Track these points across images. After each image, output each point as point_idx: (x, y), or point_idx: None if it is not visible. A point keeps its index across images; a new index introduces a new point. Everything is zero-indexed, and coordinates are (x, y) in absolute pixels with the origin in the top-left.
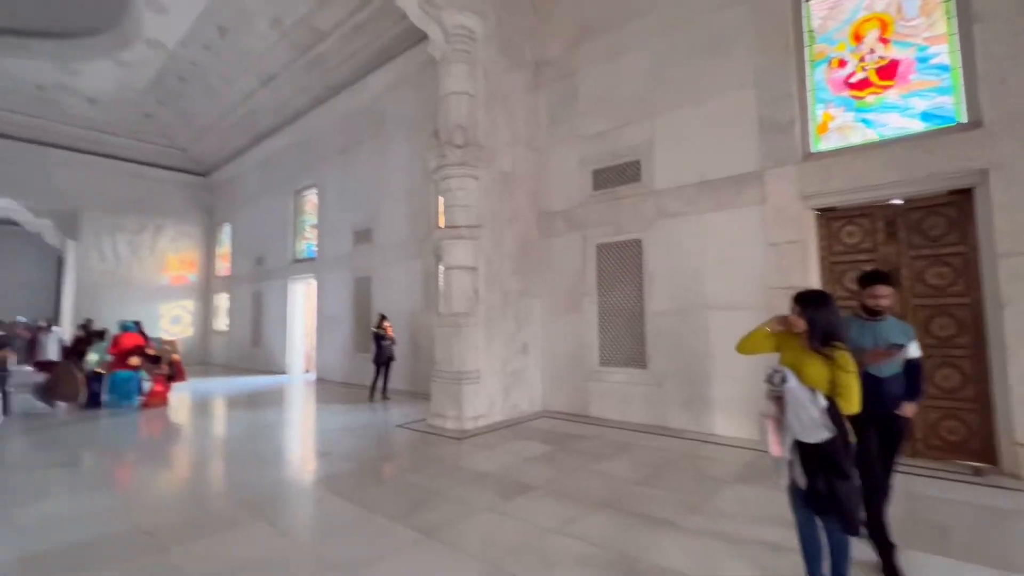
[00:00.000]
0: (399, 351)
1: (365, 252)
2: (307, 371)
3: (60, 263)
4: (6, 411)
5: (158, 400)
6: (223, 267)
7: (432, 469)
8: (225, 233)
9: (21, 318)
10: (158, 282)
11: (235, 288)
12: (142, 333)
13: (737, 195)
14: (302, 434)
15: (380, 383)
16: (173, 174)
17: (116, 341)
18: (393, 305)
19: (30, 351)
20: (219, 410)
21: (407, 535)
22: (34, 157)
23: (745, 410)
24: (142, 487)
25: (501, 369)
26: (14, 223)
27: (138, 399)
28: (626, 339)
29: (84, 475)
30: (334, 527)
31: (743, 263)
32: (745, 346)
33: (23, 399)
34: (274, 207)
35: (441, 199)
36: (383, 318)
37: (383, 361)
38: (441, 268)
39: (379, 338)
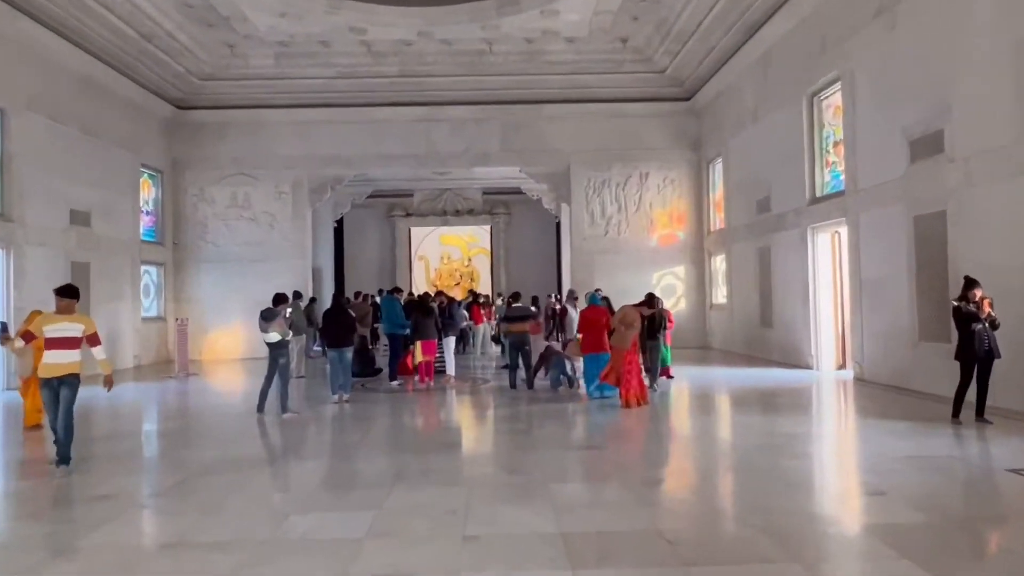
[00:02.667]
0: (1010, 339)
1: (930, 171)
2: (841, 366)
3: (559, 230)
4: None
5: (635, 396)
6: (717, 219)
7: None
8: (716, 173)
9: (558, 294)
10: (646, 243)
11: (733, 245)
12: (609, 306)
13: None
14: (839, 457)
15: (976, 392)
16: (654, 106)
17: (583, 317)
18: (993, 258)
19: (560, 327)
20: (723, 410)
21: None
22: (530, 117)
23: None
24: (652, 485)
25: None
26: (518, 191)
27: (612, 392)
28: None
29: (599, 461)
30: None
31: None
32: None
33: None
34: (778, 124)
35: None
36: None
37: (980, 357)
38: None
39: (969, 318)
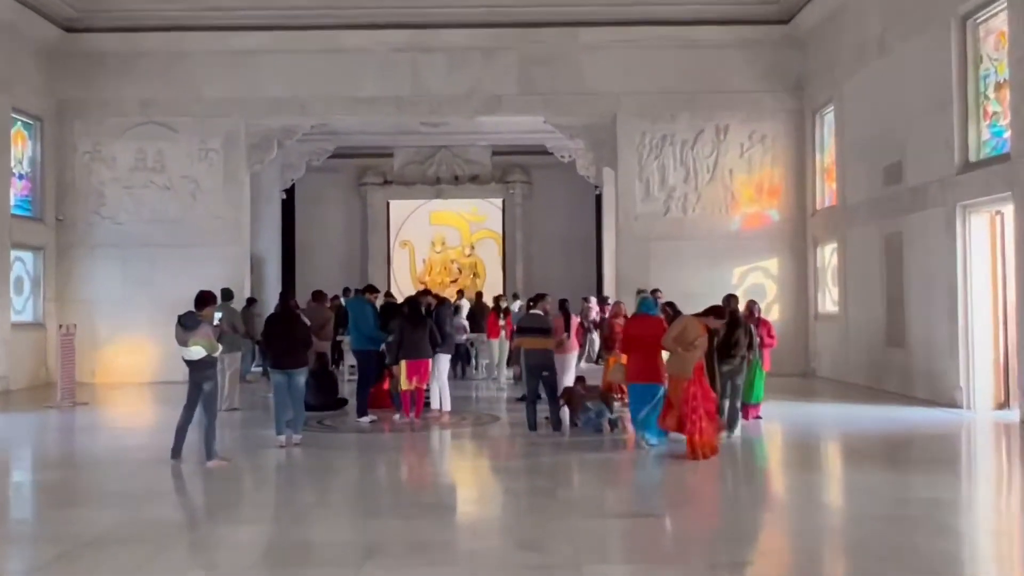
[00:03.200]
0: None
1: None
2: (1003, 405)
3: (599, 205)
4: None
5: (707, 442)
6: (826, 193)
7: None
8: (826, 127)
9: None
10: (725, 226)
11: (849, 230)
12: (672, 316)
13: None
14: (1000, 537)
15: None
16: (738, 31)
17: (627, 332)
18: None
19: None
20: (833, 465)
21: None
22: (560, 45)
23: None
24: (730, 572)
25: None
26: (543, 151)
27: (661, 439)
28: None
29: (652, 534)
30: None
31: None
32: None
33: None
34: (916, 59)
35: None
36: None
37: None
38: None
39: None
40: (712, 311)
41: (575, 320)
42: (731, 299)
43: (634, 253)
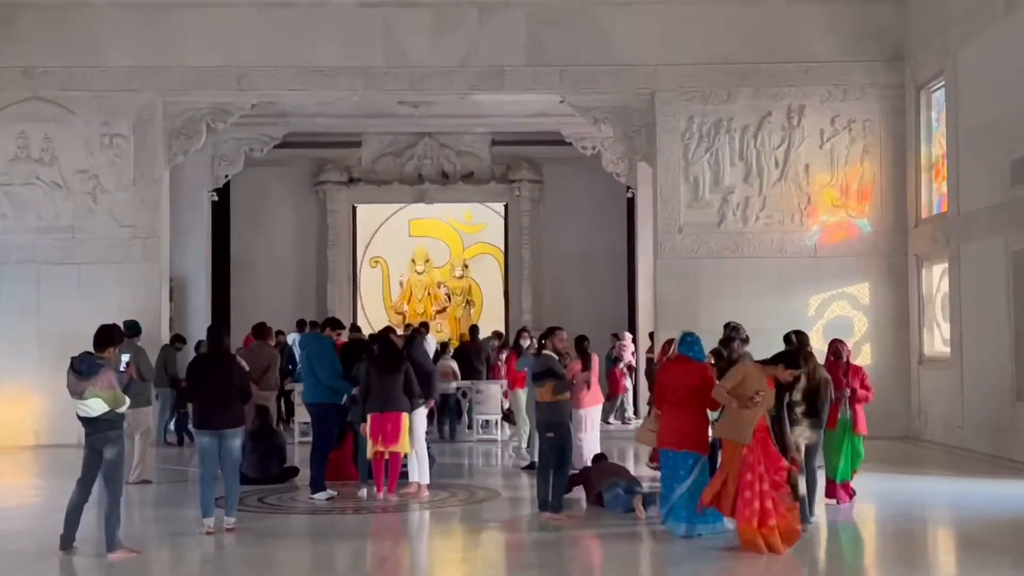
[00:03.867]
0: None
1: None
2: None
3: (631, 211)
4: None
5: (770, 533)
6: (933, 196)
7: None
8: (934, 109)
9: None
10: (797, 240)
11: (965, 245)
12: (727, 359)
13: None
14: None
15: None
16: None
17: (660, 380)
18: None
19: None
20: (948, 564)
21: None
22: (584, 1)
23: None
24: None
25: None
26: (558, 140)
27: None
28: None
29: None
30: None
31: None
32: None
33: None
34: None
35: None
36: None
37: None
38: None
39: None
40: (783, 359)
41: (596, 362)
42: (797, 341)
43: (678, 276)
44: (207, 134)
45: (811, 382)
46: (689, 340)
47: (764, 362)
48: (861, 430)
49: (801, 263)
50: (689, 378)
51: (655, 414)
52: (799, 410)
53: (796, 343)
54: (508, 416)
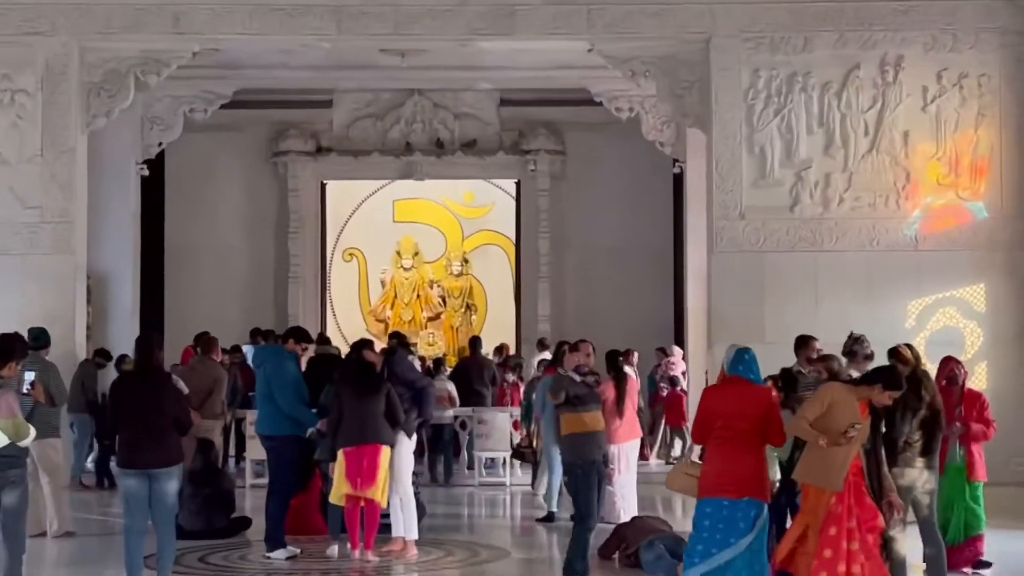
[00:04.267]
0: None
1: None
2: None
3: (678, 190)
4: None
5: None
6: None
7: None
8: None
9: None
10: (893, 229)
11: None
12: (790, 385)
13: None
14: None
15: None
16: None
17: (703, 406)
18: None
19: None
20: None
21: None
22: None
23: None
24: None
25: None
26: (591, 101)
27: None
28: None
29: None
30: None
31: None
32: None
33: None
34: None
35: None
36: None
37: None
38: None
39: None
40: (881, 377)
41: (634, 385)
42: (914, 352)
43: (738, 274)
44: (136, 90)
45: (931, 410)
46: (747, 358)
47: (854, 383)
48: (980, 476)
49: (897, 259)
50: (749, 406)
51: (693, 453)
52: (916, 447)
53: (912, 359)
54: (519, 453)
